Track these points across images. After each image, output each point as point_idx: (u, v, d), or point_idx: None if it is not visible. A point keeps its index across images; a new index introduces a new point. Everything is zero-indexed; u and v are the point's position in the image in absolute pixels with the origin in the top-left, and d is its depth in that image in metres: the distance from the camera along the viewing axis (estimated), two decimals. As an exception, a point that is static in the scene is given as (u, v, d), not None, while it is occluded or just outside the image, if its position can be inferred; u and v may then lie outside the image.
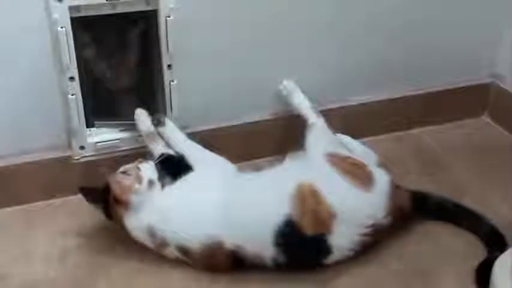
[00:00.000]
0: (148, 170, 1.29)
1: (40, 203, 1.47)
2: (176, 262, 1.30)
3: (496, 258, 1.23)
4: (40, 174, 1.44)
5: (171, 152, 1.40)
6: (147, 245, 1.28)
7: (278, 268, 1.24)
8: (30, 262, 1.32)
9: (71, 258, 1.33)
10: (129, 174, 1.27)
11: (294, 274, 1.26)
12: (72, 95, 1.38)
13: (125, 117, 1.47)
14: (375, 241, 1.29)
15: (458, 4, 1.65)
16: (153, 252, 1.32)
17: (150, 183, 1.27)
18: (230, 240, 1.22)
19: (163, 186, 1.29)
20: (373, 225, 1.26)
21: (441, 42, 1.68)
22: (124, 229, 1.28)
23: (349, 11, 1.55)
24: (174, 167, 1.34)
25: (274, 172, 1.33)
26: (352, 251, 1.26)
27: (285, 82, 1.54)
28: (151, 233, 1.26)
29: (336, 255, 1.25)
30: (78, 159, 1.46)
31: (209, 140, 1.53)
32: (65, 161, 1.46)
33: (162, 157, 1.36)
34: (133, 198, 1.25)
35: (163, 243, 1.27)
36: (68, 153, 1.46)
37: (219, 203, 1.25)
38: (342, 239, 1.24)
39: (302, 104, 1.50)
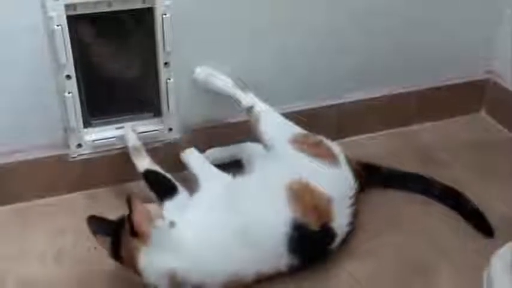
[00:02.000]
0: (169, 209, 1.23)
1: (37, 202, 1.47)
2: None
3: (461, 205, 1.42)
4: (37, 172, 1.44)
5: (156, 168, 1.39)
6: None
7: (292, 272, 1.24)
8: (27, 261, 1.32)
9: (68, 257, 1.33)
10: (152, 209, 1.15)
11: (292, 276, 1.26)
12: (69, 93, 1.37)
13: (123, 115, 1.47)
14: (356, 209, 1.34)
15: (454, 2, 1.65)
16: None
17: (172, 224, 1.15)
18: (249, 271, 1.18)
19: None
20: (353, 196, 1.32)
21: (437, 39, 1.68)
22: (135, 269, 1.15)
23: (346, 10, 1.55)
24: (158, 184, 1.36)
25: (259, 179, 1.29)
26: (349, 225, 1.30)
27: (197, 69, 1.44)
28: (172, 278, 1.13)
29: (339, 236, 1.27)
30: (75, 157, 1.46)
31: (206, 138, 1.53)
32: (62, 159, 1.45)
33: (146, 172, 1.38)
34: (152, 233, 1.12)
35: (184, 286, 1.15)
36: (65, 152, 1.45)
37: (233, 234, 1.19)
38: (340, 218, 1.27)
39: (227, 85, 1.44)
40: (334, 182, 1.30)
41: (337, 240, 1.27)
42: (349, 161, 1.38)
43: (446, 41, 1.70)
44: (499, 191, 1.51)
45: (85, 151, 1.46)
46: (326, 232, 1.25)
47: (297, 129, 1.40)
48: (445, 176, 1.52)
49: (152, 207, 1.16)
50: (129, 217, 1.11)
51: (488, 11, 1.71)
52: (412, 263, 1.31)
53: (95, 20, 1.37)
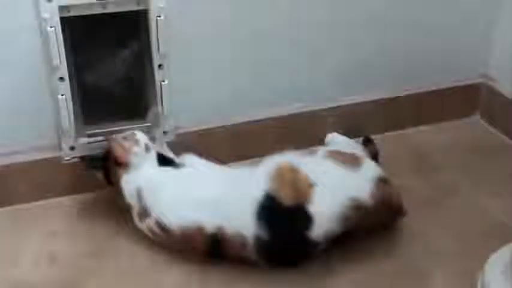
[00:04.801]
0: (142, 135, 1.38)
1: (30, 204, 1.46)
2: (167, 264, 1.30)
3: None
4: (30, 175, 1.43)
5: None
6: (133, 208, 1.32)
7: (261, 250, 1.22)
8: (20, 263, 1.31)
9: (61, 259, 1.32)
10: (127, 139, 1.35)
11: (286, 276, 1.26)
12: (62, 95, 1.37)
13: (117, 117, 1.47)
14: (358, 224, 1.27)
15: (450, 6, 1.66)
16: (144, 254, 1.32)
17: (147, 146, 1.35)
18: (211, 222, 1.24)
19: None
20: (354, 201, 1.25)
21: (433, 43, 1.69)
22: (121, 192, 1.33)
23: (346, 13, 1.55)
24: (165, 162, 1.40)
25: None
26: (336, 224, 1.23)
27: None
28: (139, 195, 1.31)
29: (318, 226, 1.22)
30: (68, 159, 1.45)
31: (200, 140, 1.53)
32: (55, 162, 1.45)
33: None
34: (132, 159, 1.33)
35: (145, 213, 1.30)
36: (58, 154, 1.45)
37: (205, 191, 1.30)
38: (322, 207, 1.23)
39: None
40: (330, 175, 1.28)
41: (316, 229, 1.22)
42: (383, 187, 1.31)
43: (441, 45, 1.70)
44: (493, 195, 1.51)
45: (78, 154, 1.46)
46: (298, 211, 1.22)
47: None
48: (439, 179, 1.52)
49: (128, 135, 1.37)
50: (111, 153, 1.34)
51: (483, 16, 1.71)
52: (405, 267, 1.31)
53: (89, 22, 1.37)
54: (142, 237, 1.34)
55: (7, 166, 1.42)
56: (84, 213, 1.33)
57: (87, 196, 1.47)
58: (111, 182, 1.37)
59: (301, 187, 1.24)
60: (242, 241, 1.23)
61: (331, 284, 1.27)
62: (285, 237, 1.23)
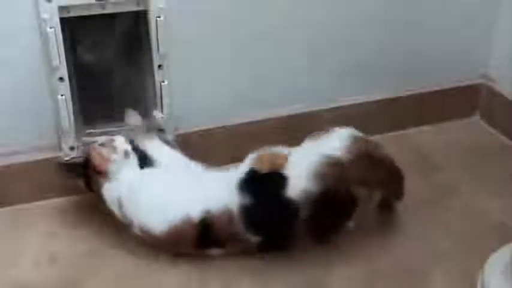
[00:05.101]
0: (122, 141, 1.35)
1: (30, 204, 1.46)
2: (167, 264, 1.30)
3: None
4: (30, 175, 1.43)
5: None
6: (117, 216, 1.33)
7: (247, 219, 1.24)
8: (20, 263, 1.31)
9: (61, 260, 1.32)
10: (106, 146, 1.34)
11: (285, 275, 1.26)
12: (62, 95, 1.37)
13: (117, 118, 1.47)
14: (341, 181, 1.25)
15: (450, 6, 1.66)
16: (144, 254, 1.32)
17: (126, 152, 1.33)
18: (197, 210, 1.25)
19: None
20: (329, 158, 1.25)
21: (433, 43, 1.69)
22: (103, 201, 1.33)
23: (346, 13, 1.55)
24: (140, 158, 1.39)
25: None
26: (311, 182, 1.23)
27: None
28: (120, 205, 1.31)
29: (294, 185, 1.23)
30: (68, 160, 1.46)
31: (200, 141, 1.53)
32: (55, 162, 1.44)
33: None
34: (111, 167, 1.32)
35: (127, 221, 1.31)
36: (57, 154, 1.45)
37: (185, 183, 1.32)
38: (296, 169, 1.25)
39: None
40: (303, 146, 1.32)
41: (292, 188, 1.23)
42: (357, 142, 1.31)
43: (441, 45, 1.70)
44: (493, 195, 1.50)
45: (78, 154, 1.46)
46: (275, 175, 1.26)
47: None
48: (439, 179, 1.52)
49: (107, 142, 1.35)
50: (91, 161, 1.33)
51: (483, 16, 1.71)
52: (403, 267, 1.31)
53: (89, 22, 1.37)
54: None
55: (7, 166, 1.42)
56: (84, 214, 1.33)
57: (87, 196, 1.47)
58: (92, 189, 1.36)
59: (278, 161, 1.28)
60: (229, 215, 1.25)
61: (329, 283, 1.26)
62: (265, 200, 1.26)
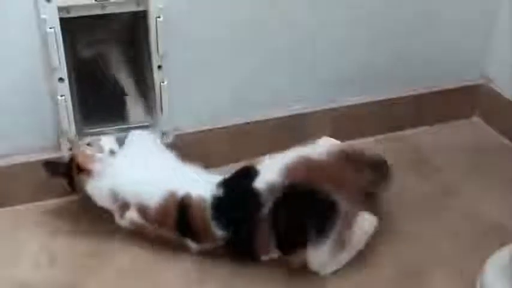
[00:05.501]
0: (108, 140, 1.39)
1: (29, 205, 1.46)
2: (167, 263, 1.30)
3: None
4: (29, 175, 1.43)
5: None
6: (109, 209, 1.35)
7: (217, 210, 1.26)
8: (20, 263, 1.31)
9: (61, 259, 1.32)
10: (92, 146, 1.37)
11: (284, 276, 1.26)
12: (62, 96, 1.37)
13: (116, 118, 1.47)
14: (316, 176, 1.24)
15: (450, 8, 1.66)
16: (143, 254, 1.32)
17: (111, 152, 1.37)
18: (180, 188, 1.30)
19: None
20: (303, 157, 1.28)
21: (433, 44, 1.69)
22: (87, 198, 1.36)
23: (346, 13, 1.55)
24: None
25: None
26: (280, 174, 1.24)
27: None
28: (114, 195, 1.33)
29: (262, 177, 1.25)
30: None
31: (200, 141, 1.53)
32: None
33: None
34: (96, 166, 1.34)
35: (125, 205, 1.32)
36: (57, 155, 1.45)
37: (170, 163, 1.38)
38: (268, 164, 1.29)
39: None
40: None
41: (260, 180, 1.25)
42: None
43: (440, 45, 1.70)
44: (492, 196, 1.51)
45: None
46: (248, 169, 1.30)
47: None
48: (438, 180, 1.52)
49: (93, 141, 1.39)
50: (74, 160, 1.36)
51: (483, 17, 1.71)
52: (404, 268, 1.31)
53: (89, 22, 1.37)
54: (141, 237, 1.34)
55: (6, 167, 1.42)
56: (84, 213, 1.33)
57: (87, 196, 1.47)
58: (75, 189, 1.38)
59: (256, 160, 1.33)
60: (203, 204, 1.27)
61: (329, 284, 1.27)
62: (235, 191, 1.29)
